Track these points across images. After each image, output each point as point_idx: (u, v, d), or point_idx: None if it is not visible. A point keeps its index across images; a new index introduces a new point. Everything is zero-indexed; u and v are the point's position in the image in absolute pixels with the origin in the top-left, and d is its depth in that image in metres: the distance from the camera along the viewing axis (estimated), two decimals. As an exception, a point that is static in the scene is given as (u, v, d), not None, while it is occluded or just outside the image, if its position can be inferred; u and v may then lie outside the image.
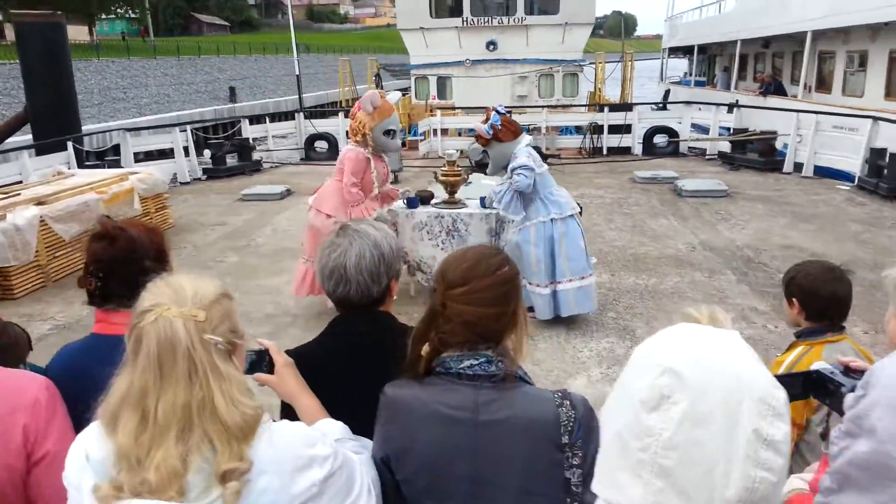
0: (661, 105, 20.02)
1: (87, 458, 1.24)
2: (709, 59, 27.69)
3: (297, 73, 20.07)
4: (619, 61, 21.08)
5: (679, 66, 35.25)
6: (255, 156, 14.58)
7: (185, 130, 13.48)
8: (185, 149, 13.40)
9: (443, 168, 6.53)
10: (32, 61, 11.53)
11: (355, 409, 1.61)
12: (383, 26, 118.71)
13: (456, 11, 21.32)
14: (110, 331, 1.84)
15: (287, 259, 7.95)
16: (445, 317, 1.50)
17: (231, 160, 14.10)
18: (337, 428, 1.56)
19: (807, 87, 16.48)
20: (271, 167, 14.90)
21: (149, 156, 14.18)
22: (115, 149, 12.77)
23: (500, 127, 5.60)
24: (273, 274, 7.45)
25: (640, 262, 7.57)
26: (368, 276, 1.78)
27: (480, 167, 13.18)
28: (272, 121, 16.49)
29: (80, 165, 10.85)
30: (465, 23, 20.99)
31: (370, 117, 5.68)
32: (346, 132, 6.31)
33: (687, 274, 7.14)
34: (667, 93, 27.69)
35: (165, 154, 13.87)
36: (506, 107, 6.26)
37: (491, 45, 20.89)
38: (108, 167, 11.05)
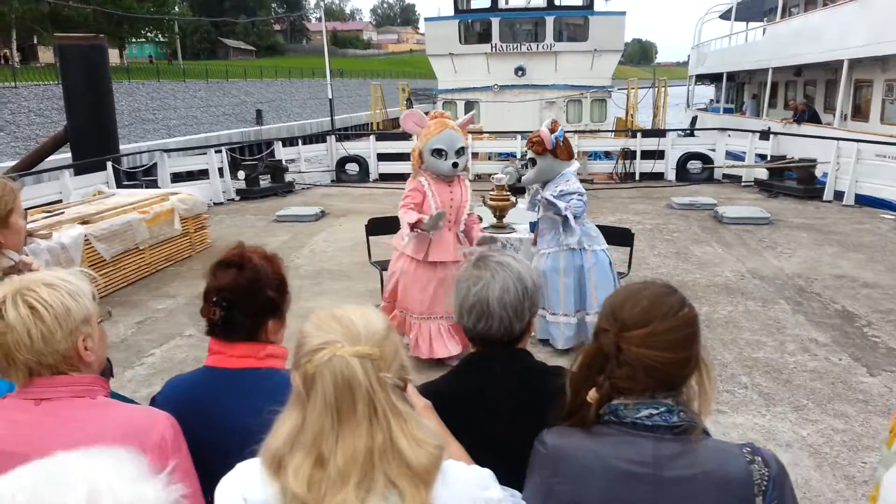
0: (688, 132, 19.91)
1: (245, 499, 1.14)
2: (737, 87, 27.54)
3: (330, 96, 20.21)
4: (651, 87, 21.03)
5: (705, 93, 35.15)
6: (288, 177, 14.61)
7: (221, 151, 13.54)
8: (220, 170, 13.47)
9: (491, 192, 6.45)
10: (75, 82, 11.67)
11: (496, 455, 1.48)
12: (406, 52, 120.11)
13: (485, 38, 21.47)
14: (228, 364, 1.76)
15: (328, 281, 7.88)
16: (621, 361, 1.37)
17: (264, 181, 14.16)
18: (485, 475, 1.45)
19: (843, 116, 16.26)
20: (303, 189, 14.93)
21: (179, 176, 14.26)
22: (149, 168, 12.87)
23: (562, 143, 5.49)
24: (316, 295, 7.36)
25: (689, 290, 7.38)
26: (512, 312, 1.67)
27: (514, 191, 13.15)
28: (304, 143, 16.56)
29: (119, 185, 10.91)
30: (493, 49, 21.11)
31: (419, 139, 5.27)
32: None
33: (740, 303, 6.96)
34: (694, 119, 27.57)
35: (198, 174, 13.96)
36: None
37: (519, 70, 20.96)
38: (146, 187, 11.10)
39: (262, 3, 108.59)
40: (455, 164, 5.09)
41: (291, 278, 7.28)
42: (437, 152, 5.08)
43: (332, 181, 15.96)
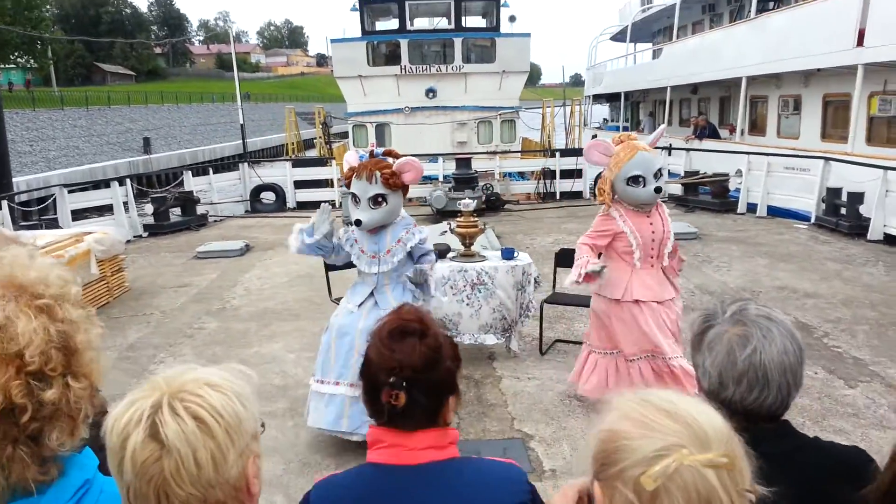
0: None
1: None
2: (632, 106, 28.73)
3: (242, 122, 19.41)
4: (561, 105, 21.51)
5: (598, 112, 36.50)
6: (200, 209, 13.72)
7: (125, 184, 12.52)
8: (125, 204, 12.45)
9: (458, 219, 6.15)
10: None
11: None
12: (297, 75, 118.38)
13: (393, 59, 21.30)
14: (411, 458, 1.37)
15: (276, 322, 7.29)
16: None
17: (174, 215, 13.23)
18: None
19: (741, 131, 17.20)
20: (217, 221, 14.07)
21: (77, 213, 13.07)
22: (45, 205, 11.70)
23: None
24: (266, 339, 6.77)
25: (649, 310, 7.36)
26: (791, 378, 1.38)
27: (443, 215, 12.95)
28: (215, 172, 15.66)
29: (15, 226, 9.79)
30: (403, 70, 20.96)
31: (608, 169, 4.61)
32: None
33: (702, 320, 6.98)
34: (593, 138, 28.49)
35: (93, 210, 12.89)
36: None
37: (430, 92, 20.91)
38: (46, 227, 10.03)
39: (141, 25, 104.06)
40: (658, 189, 4.45)
41: (233, 321, 6.66)
42: (634, 179, 4.46)
43: (247, 211, 15.17)
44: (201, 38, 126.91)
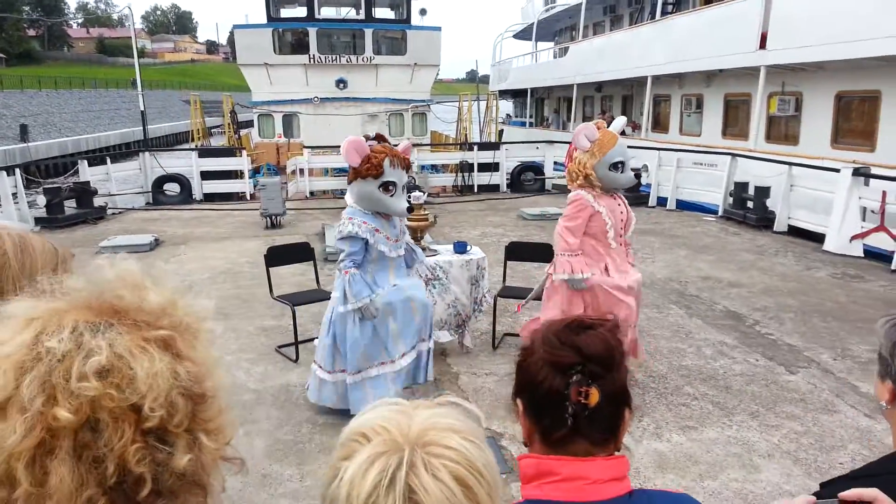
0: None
1: None
2: (536, 102, 29.29)
3: (142, 108, 18.08)
4: (476, 100, 21.56)
5: (503, 108, 37.02)
6: (97, 201, 12.71)
7: (15, 174, 11.40)
8: (13, 195, 11.34)
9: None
10: None
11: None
12: (186, 62, 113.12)
13: (301, 48, 20.63)
14: (594, 495, 1.15)
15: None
16: None
17: (69, 207, 12.17)
18: None
19: (645, 129, 17.85)
20: (116, 214, 13.09)
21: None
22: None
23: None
24: (197, 341, 6.27)
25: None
26: None
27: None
28: (113, 161, 14.56)
29: None
30: (312, 60, 20.35)
31: (589, 154, 4.73)
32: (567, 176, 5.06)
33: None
34: (500, 132, 28.89)
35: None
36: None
37: (340, 83, 20.42)
38: (-78, 220, 8.93)
39: (12, 5, 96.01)
40: (638, 176, 4.83)
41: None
42: (615, 165, 4.72)
43: (149, 203, 14.22)
44: (80, 21, 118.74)
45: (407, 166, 4.38)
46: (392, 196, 4.30)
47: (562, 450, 1.21)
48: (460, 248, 5.78)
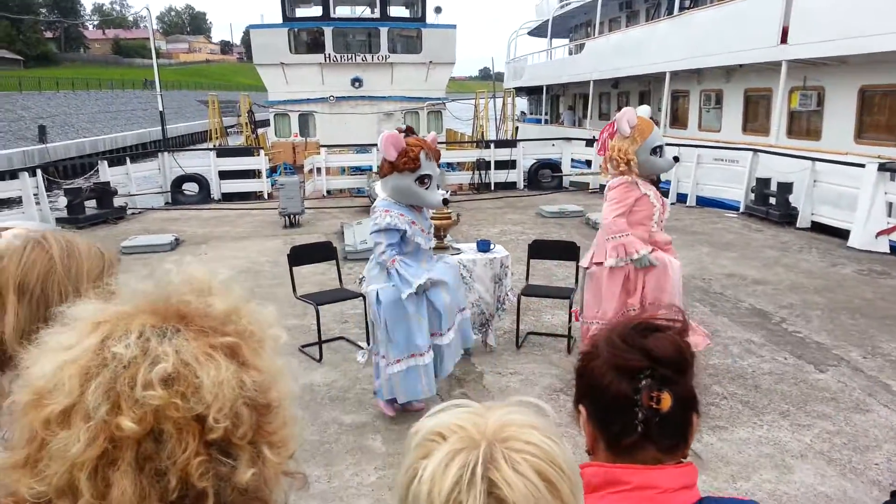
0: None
1: None
2: (552, 100, 29.15)
3: (161, 108, 18.13)
4: (493, 97, 21.51)
5: (518, 105, 36.90)
6: (118, 201, 12.80)
7: (36, 175, 11.49)
8: (34, 195, 11.45)
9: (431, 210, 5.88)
10: None
11: None
12: (201, 62, 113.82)
13: (316, 47, 20.66)
14: (675, 503, 1.11)
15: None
16: None
17: (89, 207, 12.27)
18: None
19: (665, 124, 17.69)
20: (136, 214, 13.17)
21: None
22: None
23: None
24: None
25: (611, 300, 7.35)
26: None
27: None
28: (132, 161, 14.65)
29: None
30: (327, 59, 20.38)
31: (629, 140, 4.76)
32: (601, 165, 5.17)
33: (665, 309, 7.03)
34: (515, 130, 28.81)
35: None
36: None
37: (356, 81, 20.43)
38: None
39: (29, 8, 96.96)
40: (677, 158, 4.99)
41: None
42: (655, 150, 4.82)
43: (168, 203, 14.30)
44: (96, 22, 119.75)
45: (438, 158, 4.41)
46: (427, 188, 4.34)
47: (629, 457, 1.17)
48: (484, 246, 5.75)
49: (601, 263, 4.96)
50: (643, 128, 4.74)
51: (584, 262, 5.17)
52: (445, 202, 4.49)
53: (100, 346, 0.75)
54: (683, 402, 1.17)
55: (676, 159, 4.91)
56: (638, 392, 1.13)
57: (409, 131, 4.43)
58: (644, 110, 5.06)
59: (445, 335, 4.58)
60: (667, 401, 1.12)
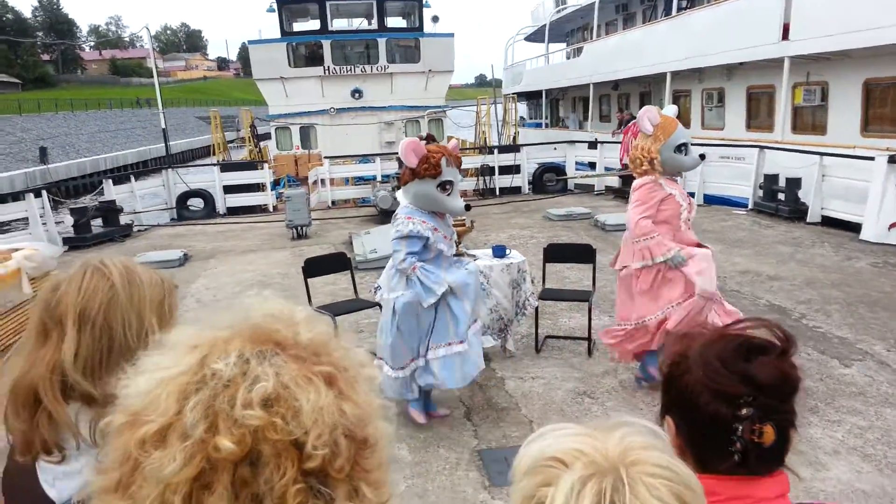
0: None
1: None
2: (551, 103, 29.18)
3: (164, 126, 18.14)
4: (494, 103, 21.53)
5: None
6: (123, 219, 12.77)
7: (42, 195, 11.47)
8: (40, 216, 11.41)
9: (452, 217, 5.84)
10: None
11: None
12: (199, 79, 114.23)
13: (315, 60, 20.70)
14: None
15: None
16: None
17: (95, 226, 12.23)
18: None
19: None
20: (142, 231, 13.15)
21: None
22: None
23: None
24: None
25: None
26: None
27: (388, 215, 12.54)
28: (136, 179, 14.65)
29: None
30: (326, 71, 20.41)
31: (652, 138, 4.66)
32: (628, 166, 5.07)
33: (682, 308, 6.96)
34: (516, 135, 28.83)
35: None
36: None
37: (356, 93, 20.45)
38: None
39: (26, 31, 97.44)
40: (703, 156, 4.87)
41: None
42: (679, 148, 4.68)
43: (173, 219, 14.27)
44: (93, 44, 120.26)
45: (459, 164, 4.36)
46: (449, 195, 4.29)
47: (737, 470, 1.10)
48: (499, 252, 5.70)
49: (627, 267, 4.89)
50: (666, 125, 4.65)
51: (615, 266, 5.09)
52: (468, 208, 4.44)
53: (199, 365, 0.71)
54: (786, 428, 1.11)
55: (703, 157, 4.79)
56: (738, 420, 1.07)
57: (429, 139, 4.40)
58: (671, 110, 4.99)
59: (458, 344, 4.47)
60: (770, 435, 1.06)
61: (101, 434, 0.85)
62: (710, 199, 13.01)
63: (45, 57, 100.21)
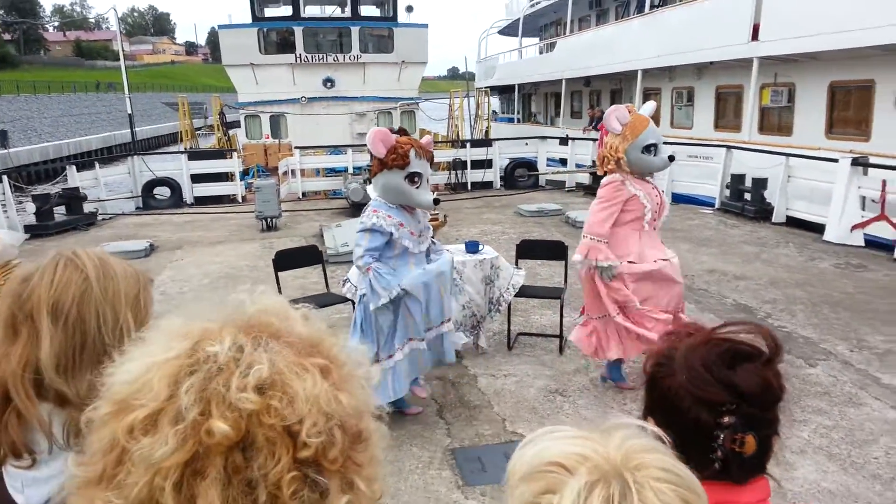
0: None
1: None
2: (523, 98, 29.24)
3: (130, 111, 17.72)
4: (466, 97, 21.47)
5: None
6: (87, 207, 12.47)
7: (1, 181, 11.14)
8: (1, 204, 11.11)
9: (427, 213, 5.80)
10: None
11: None
12: (166, 63, 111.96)
13: (287, 48, 20.41)
14: None
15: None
16: None
17: (59, 214, 11.93)
18: None
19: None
20: (106, 220, 12.86)
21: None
22: None
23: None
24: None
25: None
26: None
27: (359, 208, 12.43)
28: (101, 165, 14.31)
29: None
30: (298, 59, 20.15)
31: (620, 137, 4.59)
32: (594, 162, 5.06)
33: (652, 306, 7.03)
34: (488, 129, 28.86)
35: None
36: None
37: (328, 82, 20.24)
38: None
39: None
40: (672, 157, 4.73)
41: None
42: (648, 148, 4.60)
43: (139, 208, 13.99)
44: (56, 24, 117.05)
45: (430, 159, 4.31)
46: (418, 188, 4.21)
47: (719, 476, 1.10)
48: (472, 247, 5.69)
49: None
50: (636, 124, 4.60)
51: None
52: (436, 202, 4.37)
53: (192, 349, 0.70)
54: (768, 436, 1.11)
55: (672, 158, 4.72)
56: (720, 428, 1.07)
57: (402, 132, 4.35)
58: (648, 108, 4.98)
59: (425, 339, 4.43)
60: (751, 445, 1.06)
61: (75, 436, 0.80)
62: (677, 198, 13.13)
63: (6, 36, 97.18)
